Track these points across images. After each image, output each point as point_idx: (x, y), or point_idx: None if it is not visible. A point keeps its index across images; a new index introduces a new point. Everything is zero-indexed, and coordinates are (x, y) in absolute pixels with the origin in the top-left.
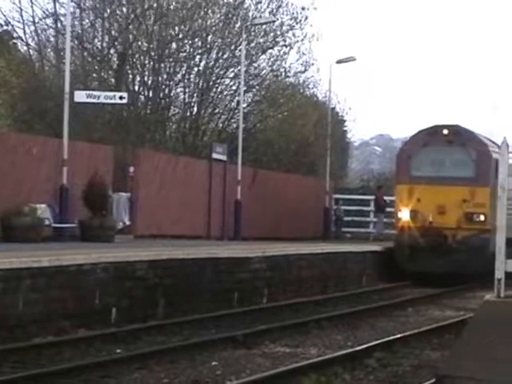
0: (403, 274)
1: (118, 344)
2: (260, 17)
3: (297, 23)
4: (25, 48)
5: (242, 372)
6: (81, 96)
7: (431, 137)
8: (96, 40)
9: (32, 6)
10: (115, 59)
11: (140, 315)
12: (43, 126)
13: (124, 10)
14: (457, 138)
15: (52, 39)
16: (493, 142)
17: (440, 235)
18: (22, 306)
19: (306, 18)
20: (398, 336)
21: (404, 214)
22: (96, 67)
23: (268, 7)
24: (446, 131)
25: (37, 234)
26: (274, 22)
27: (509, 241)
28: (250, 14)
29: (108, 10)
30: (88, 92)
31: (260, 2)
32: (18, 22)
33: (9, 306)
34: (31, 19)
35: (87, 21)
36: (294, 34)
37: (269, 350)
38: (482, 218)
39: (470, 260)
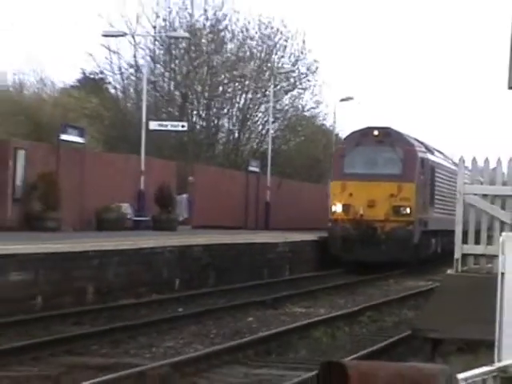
0: (337, 262)
1: (179, 305)
2: (283, 67)
3: (311, 72)
4: (113, 90)
5: (271, 325)
6: (154, 125)
7: (363, 137)
8: (165, 84)
9: (119, 60)
10: (178, 98)
11: (196, 284)
12: (126, 147)
13: (185, 63)
14: (386, 138)
15: (133, 83)
16: (421, 143)
17: (370, 227)
18: (111, 277)
19: (317, 68)
20: (383, 300)
21: (337, 208)
22: (165, 104)
23: (289, 60)
24: (376, 132)
25: (121, 225)
26: (293, 71)
27: (443, 231)
28: (276, 65)
29: (173, 63)
30: (159, 122)
31: (283, 57)
32: (109, 71)
33: (103, 277)
34: (118, 69)
35: (159, 70)
36: (308, 80)
37: (289, 310)
38: (407, 210)
39: (397, 250)
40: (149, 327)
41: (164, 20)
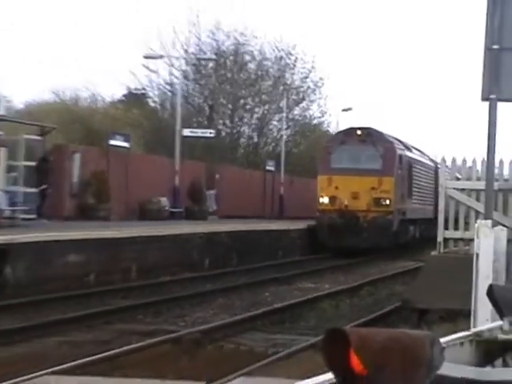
0: (324, 248)
1: (208, 282)
2: (294, 83)
3: (317, 87)
4: (152, 103)
5: (284, 299)
6: (186, 132)
7: (347, 136)
8: (195, 98)
9: (157, 78)
10: (207, 109)
11: (221, 264)
12: (163, 150)
13: (212, 80)
14: (368, 137)
15: (168, 97)
16: (399, 141)
17: (354, 216)
18: (151, 258)
19: (323, 84)
20: (378, 277)
21: (324, 199)
22: (195, 114)
23: (299, 77)
24: (359, 132)
25: (159, 215)
26: (302, 87)
27: (420, 219)
28: (288, 81)
29: (203, 81)
30: (190, 129)
31: (294, 74)
32: (149, 87)
33: (146, 259)
34: (156, 86)
35: (190, 86)
36: (315, 94)
37: (301, 285)
38: (387, 202)
39: (378, 237)
40: (183, 300)
41: (195, 45)
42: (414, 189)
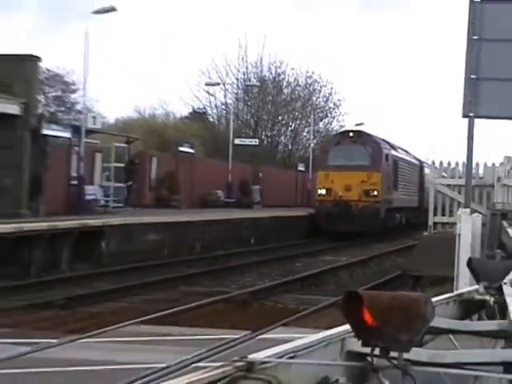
0: (321, 232)
1: (253, 255)
2: (319, 104)
3: (336, 106)
4: (211, 119)
5: (312, 267)
6: (237, 141)
7: (342, 138)
8: (244, 115)
9: (215, 100)
10: (252, 124)
11: (265, 242)
12: (219, 154)
13: (256, 101)
14: (359, 138)
15: (223, 114)
16: (386, 142)
17: (347, 205)
18: (210, 237)
19: (340, 105)
20: (385, 251)
21: (322, 191)
22: (243, 127)
23: (323, 99)
24: (351, 134)
25: (217, 204)
26: (325, 106)
27: (406, 208)
28: (315, 102)
29: (249, 102)
30: (240, 139)
31: (319, 97)
32: (208, 107)
33: (206, 237)
34: (214, 106)
35: (240, 106)
36: (335, 112)
37: (324, 258)
38: (375, 193)
39: (367, 222)
40: (234, 269)
41: (244, 74)
42: (400, 182)
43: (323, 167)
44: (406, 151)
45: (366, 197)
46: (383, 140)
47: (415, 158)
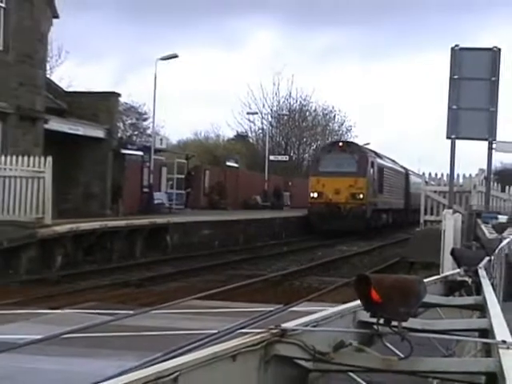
0: (314, 231)
1: (284, 246)
2: (335, 128)
3: (348, 131)
4: (251, 140)
5: (331, 255)
6: (271, 157)
7: (332, 147)
8: (276, 137)
9: (254, 125)
10: (283, 144)
11: (293, 236)
12: (257, 168)
13: (286, 127)
14: (347, 148)
15: (261, 137)
16: (372, 152)
17: (336, 207)
18: (251, 232)
19: (351, 129)
20: (385, 243)
21: (314, 194)
22: (276, 147)
23: (338, 125)
24: (341, 144)
25: (255, 206)
26: (340, 130)
27: (392, 209)
28: (331, 127)
29: (281, 127)
30: (273, 156)
31: (334, 123)
32: (249, 131)
33: (247, 232)
34: (253, 130)
35: (273, 130)
36: (347, 135)
37: (340, 248)
38: (361, 196)
39: (354, 222)
40: (269, 257)
41: (276, 105)
42: (385, 187)
43: (315, 173)
44: (392, 160)
45: (353, 199)
46: (370, 150)
47: (401, 166)
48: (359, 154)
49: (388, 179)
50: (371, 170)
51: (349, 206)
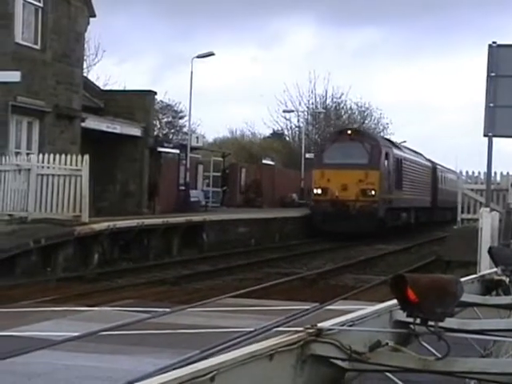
0: (317, 232)
1: (320, 244)
2: (371, 126)
3: (385, 128)
4: (287, 138)
5: (365, 254)
6: (307, 155)
7: (339, 136)
8: (313, 135)
9: (290, 123)
10: (319, 141)
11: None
12: (293, 166)
13: (322, 124)
14: (357, 136)
15: (297, 134)
16: (387, 141)
17: (343, 205)
18: (287, 230)
19: (388, 127)
20: (423, 241)
21: (318, 190)
22: (312, 144)
23: (373, 123)
24: (349, 131)
25: (292, 204)
26: (376, 128)
27: (415, 208)
28: (367, 125)
29: (317, 125)
30: (309, 154)
31: (370, 121)
32: (285, 129)
33: (283, 230)
34: (289, 128)
35: (309, 128)
36: (383, 133)
37: (375, 246)
38: (373, 192)
39: (364, 222)
40: (305, 254)
41: (312, 103)
42: (405, 182)
43: (319, 166)
44: (416, 152)
45: (364, 196)
46: (385, 138)
47: (427, 159)
48: (371, 143)
49: (409, 173)
50: (385, 162)
51: (358, 205)
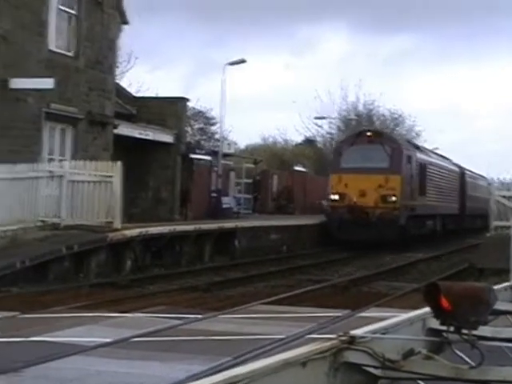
0: (333, 241)
1: (351, 251)
2: (403, 133)
3: (417, 135)
4: (319, 144)
5: (400, 261)
6: None
7: (358, 138)
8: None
9: (321, 130)
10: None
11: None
12: (326, 173)
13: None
14: (377, 138)
15: (328, 141)
16: (410, 143)
17: (362, 212)
18: (315, 237)
19: (421, 134)
20: (454, 249)
21: (335, 196)
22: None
23: (405, 130)
24: (369, 133)
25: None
26: (407, 135)
27: (441, 215)
28: (399, 131)
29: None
30: None
31: (403, 127)
32: (317, 135)
33: (314, 237)
34: (321, 135)
35: (341, 134)
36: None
37: (407, 254)
38: (393, 198)
39: (384, 231)
40: (337, 261)
41: (344, 110)
42: (430, 187)
43: (336, 170)
44: (442, 156)
45: (384, 203)
46: (407, 141)
47: (454, 164)
48: (392, 146)
49: (434, 178)
50: (408, 166)
51: (378, 212)
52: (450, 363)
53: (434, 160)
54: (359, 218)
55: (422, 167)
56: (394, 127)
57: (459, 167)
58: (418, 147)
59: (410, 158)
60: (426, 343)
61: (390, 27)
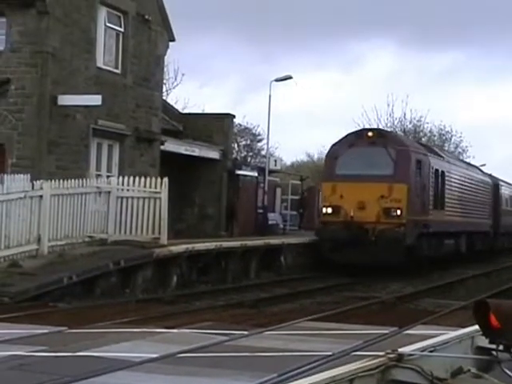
0: (324, 264)
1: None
2: (450, 149)
3: (464, 152)
4: None
5: (445, 278)
6: None
7: (357, 139)
8: None
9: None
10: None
11: None
12: None
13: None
14: (379, 139)
15: None
16: (422, 145)
17: (361, 229)
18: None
19: (468, 150)
20: (500, 267)
21: (327, 210)
22: None
23: (453, 146)
24: (370, 133)
25: None
26: (454, 151)
27: (465, 232)
28: (447, 148)
29: None
30: None
31: (450, 144)
32: None
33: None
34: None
35: None
36: (462, 156)
37: (455, 271)
38: (398, 212)
39: (387, 252)
40: (384, 278)
41: (390, 126)
42: (450, 200)
43: (329, 177)
44: (468, 164)
45: (387, 218)
46: (418, 143)
47: (485, 173)
48: (397, 148)
49: (455, 189)
50: (417, 173)
51: (379, 228)
52: (500, 382)
53: (456, 167)
54: (357, 237)
55: (439, 175)
56: (442, 144)
57: (492, 177)
58: (433, 151)
59: (420, 162)
60: (474, 361)
61: (439, 43)
